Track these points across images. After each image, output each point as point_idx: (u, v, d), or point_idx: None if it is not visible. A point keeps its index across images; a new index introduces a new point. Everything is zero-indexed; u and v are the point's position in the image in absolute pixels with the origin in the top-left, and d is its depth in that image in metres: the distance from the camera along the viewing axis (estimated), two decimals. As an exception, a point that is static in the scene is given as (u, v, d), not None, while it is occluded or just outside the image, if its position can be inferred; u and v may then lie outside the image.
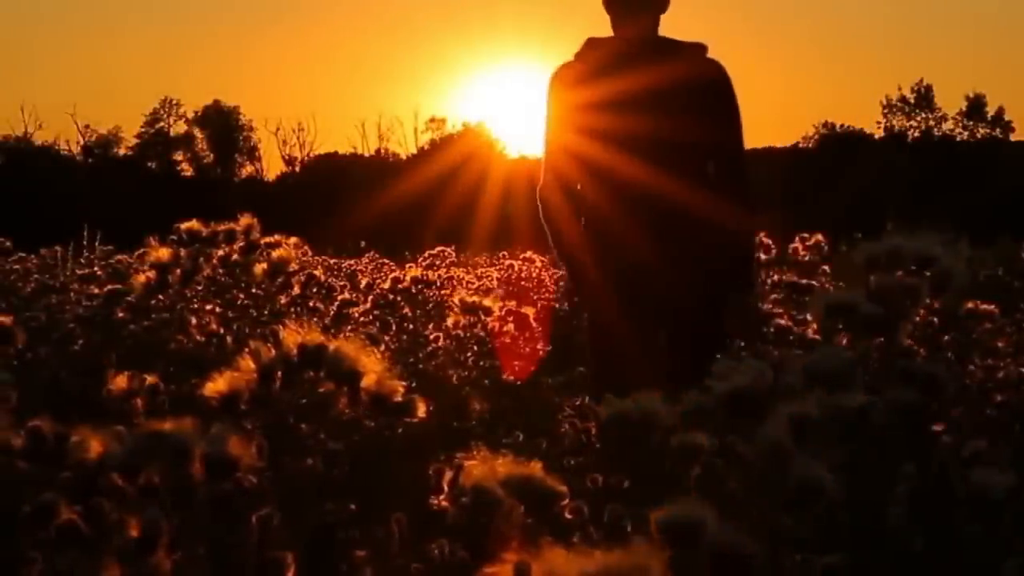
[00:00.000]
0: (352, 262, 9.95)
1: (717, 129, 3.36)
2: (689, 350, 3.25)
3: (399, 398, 1.42)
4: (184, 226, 3.16)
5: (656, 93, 3.27)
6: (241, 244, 3.17)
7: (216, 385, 1.39)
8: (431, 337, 4.48)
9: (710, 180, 3.36)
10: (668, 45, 3.38)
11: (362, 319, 4.67)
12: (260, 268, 3.11)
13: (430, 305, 5.12)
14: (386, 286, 4.81)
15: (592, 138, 3.32)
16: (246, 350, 1.43)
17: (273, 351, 1.41)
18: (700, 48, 3.38)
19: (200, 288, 3.17)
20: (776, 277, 5.18)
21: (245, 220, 3.22)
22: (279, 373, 1.40)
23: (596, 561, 0.83)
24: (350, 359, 1.38)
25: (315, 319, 3.72)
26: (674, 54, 3.35)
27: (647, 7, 3.35)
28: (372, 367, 1.42)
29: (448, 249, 8.13)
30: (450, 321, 4.11)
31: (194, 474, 1.19)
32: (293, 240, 3.59)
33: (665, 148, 3.27)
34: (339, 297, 4.37)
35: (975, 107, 47.34)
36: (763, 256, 5.19)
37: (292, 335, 1.41)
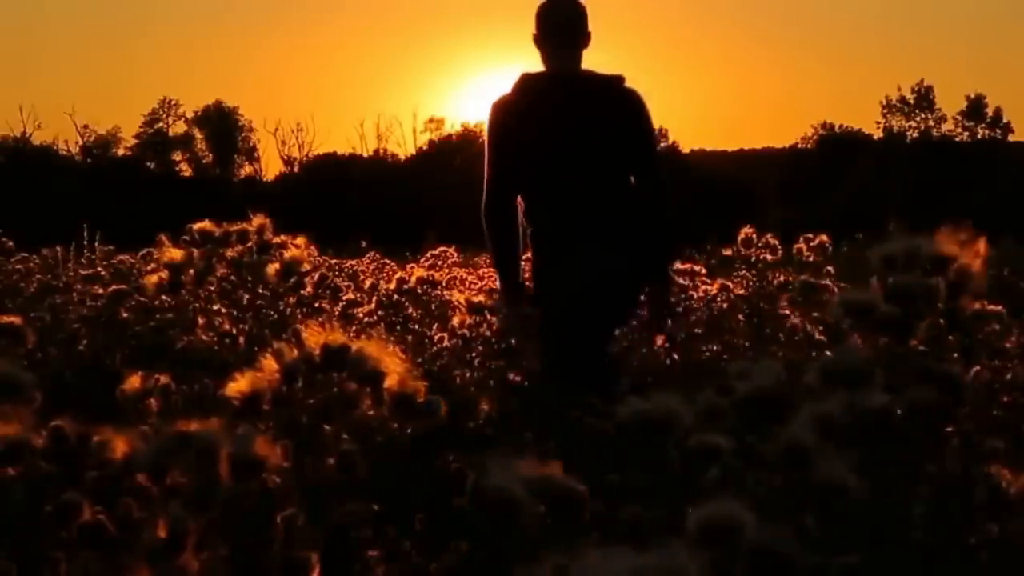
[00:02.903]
0: (354, 262, 9.94)
1: (633, 141, 3.92)
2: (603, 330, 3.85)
3: (421, 399, 1.42)
4: (196, 226, 3.15)
5: (580, 116, 3.86)
6: (252, 244, 3.17)
7: (238, 385, 1.39)
8: (436, 338, 4.47)
9: (631, 180, 3.95)
10: (588, 76, 3.94)
11: (367, 319, 4.67)
12: (273, 268, 3.11)
13: (434, 305, 5.12)
14: (392, 286, 4.81)
15: (530, 149, 3.87)
16: (268, 350, 1.43)
17: (295, 351, 1.41)
18: (618, 78, 3.94)
19: (213, 288, 3.17)
20: (782, 278, 5.20)
21: (258, 220, 3.23)
22: (302, 374, 1.39)
23: (633, 562, 0.84)
24: (373, 360, 1.38)
25: (320, 319, 3.72)
26: (593, 84, 3.92)
27: (570, 45, 3.92)
28: (394, 368, 1.42)
29: (450, 249, 8.11)
30: (456, 321, 4.11)
31: (221, 474, 1.19)
32: (300, 240, 3.59)
33: (589, 153, 3.85)
34: (345, 297, 4.37)
35: (975, 108, 47.35)
36: (769, 257, 5.22)
37: (314, 335, 1.41)
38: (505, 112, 3.91)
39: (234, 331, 3.03)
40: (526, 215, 3.94)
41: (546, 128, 3.85)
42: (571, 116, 3.85)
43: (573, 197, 3.85)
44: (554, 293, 3.86)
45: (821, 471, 1.27)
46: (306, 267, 3.17)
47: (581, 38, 3.93)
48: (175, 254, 2.98)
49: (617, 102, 3.89)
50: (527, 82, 3.93)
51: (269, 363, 1.40)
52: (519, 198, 3.95)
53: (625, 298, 3.96)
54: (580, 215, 3.86)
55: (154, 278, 3.01)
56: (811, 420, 1.26)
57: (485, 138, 4.00)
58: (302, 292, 3.25)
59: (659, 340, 4.53)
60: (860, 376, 1.48)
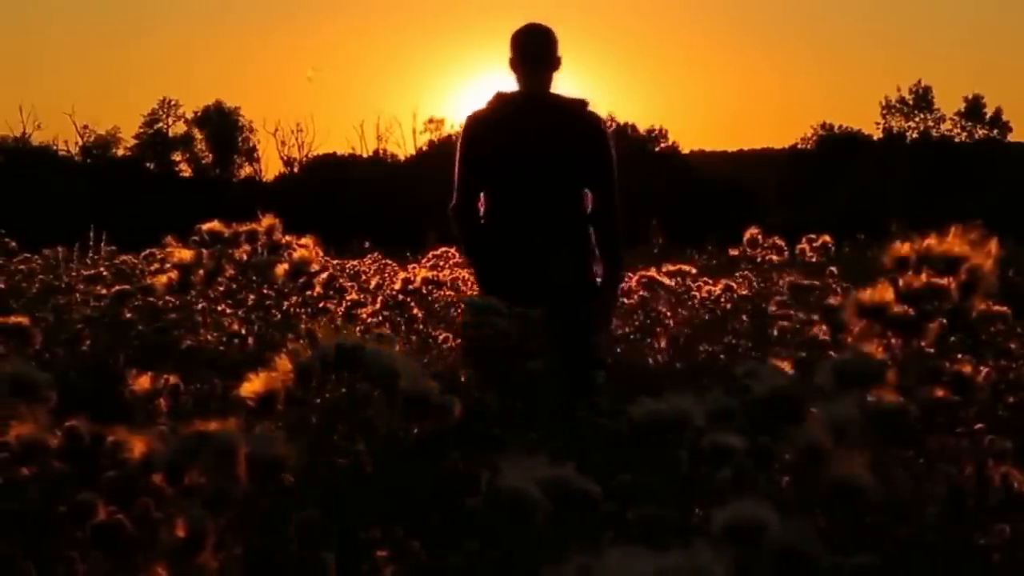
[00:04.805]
0: (355, 263, 9.95)
1: (591, 163, 4.26)
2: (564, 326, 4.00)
3: (435, 399, 1.42)
4: (206, 226, 3.16)
5: (545, 135, 4.20)
6: (262, 244, 3.17)
7: (252, 385, 1.39)
8: (440, 338, 4.47)
9: (586, 199, 4.30)
10: (556, 100, 4.29)
11: (371, 320, 4.66)
12: (281, 269, 3.12)
13: (437, 305, 5.12)
14: (397, 287, 4.81)
15: (498, 160, 4.22)
16: (281, 350, 1.42)
17: (309, 352, 1.40)
18: (583, 102, 4.33)
19: (223, 289, 3.16)
20: (787, 279, 5.20)
21: (267, 220, 3.24)
22: (316, 374, 1.39)
23: (657, 562, 0.84)
24: (388, 359, 1.38)
25: (325, 320, 3.72)
26: (560, 107, 4.28)
27: (542, 69, 4.27)
28: (407, 368, 1.41)
29: (451, 249, 8.11)
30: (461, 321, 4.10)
31: (239, 474, 1.19)
32: (308, 240, 3.59)
33: (552, 174, 4.20)
34: (348, 297, 4.37)
35: (973, 108, 47.36)
36: (775, 258, 5.25)
37: (327, 335, 1.41)
38: (478, 125, 4.31)
39: (243, 331, 3.03)
40: (486, 217, 4.29)
41: (513, 142, 4.22)
42: (537, 133, 4.22)
43: (533, 205, 4.21)
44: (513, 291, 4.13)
45: (836, 471, 1.27)
46: (315, 267, 3.17)
47: (551, 63, 4.31)
48: (185, 254, 2.99)
49: (578, 124, 4.28)
50: (500, 100, 4.33)
51: (283, 363, 1.40)
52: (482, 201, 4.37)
53: (579, 297, 4.23)
54: (538, 222, 4.21)
55: (163, 278, 3.01)
56: (827, 421, 1.25)
57: (458, 146, 4.37)
58: (311, 292, 3.25)
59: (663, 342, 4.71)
60: (873, 377, 1.48)
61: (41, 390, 1.41)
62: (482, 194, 4.28)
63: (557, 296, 4.04)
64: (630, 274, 8.29)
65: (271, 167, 63.96)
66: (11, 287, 6.65)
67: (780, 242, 5.30)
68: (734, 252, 5.72)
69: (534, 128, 4.23)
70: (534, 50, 4.27)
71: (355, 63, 75.82)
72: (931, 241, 1.69)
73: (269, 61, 73.35)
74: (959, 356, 2.03)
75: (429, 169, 41.52)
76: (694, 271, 5.95)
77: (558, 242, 4.22)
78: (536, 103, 4.27)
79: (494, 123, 4.27)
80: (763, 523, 0.96)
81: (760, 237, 5.33)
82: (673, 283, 5.85)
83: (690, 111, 74.36)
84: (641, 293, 5.68)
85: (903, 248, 1.71)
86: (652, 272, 5.72)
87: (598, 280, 4.47)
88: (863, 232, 15.95)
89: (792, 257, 5.53)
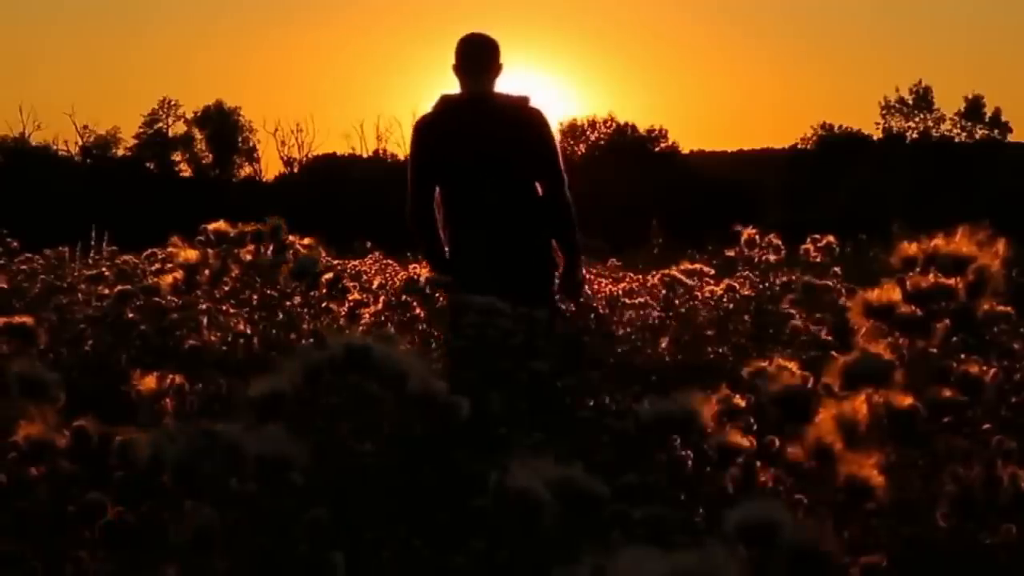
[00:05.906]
0: (356, 263, 9.96)
1: (537, 155, 4.47)
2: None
3: (443, 399, 1.42)
4: (211, 226, 3.17)
5: (491, 133, 4.42)
6: (269, 244, 3.18)
7: (260, 386, 1.39)
8: (443, 338, 4.45)
9: (537, 186, 4.52)
10: (499, 99, 4.52)
11: (373, 320, 4.65)
12: (287, 269, 3.13)
13: (438, 305, 5.10)
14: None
15: (449, 160, 4.43)
16: (284, 351, 1.43)
17: (316, 352, 1.40)
18: (524, 99, 4.54)
19: (228, 288, 3.16)
20: (784, 279, 5.21)
21: (272, 221, 3.25)
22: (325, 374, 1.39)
23: (671, 562, 0.84)
24: (398, 360, 1.38)
25: (328, 319, 3.72)
26: (503, 106, 4.49)
27: (482, 72, 4.51)
28: (416, 367, 1.41)
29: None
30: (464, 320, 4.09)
31: (248, 474, 1.19)
32: (307, 241, 3.59)
33: (501, 169, 4.41)
34: (351, 298, 4.36)
35: (973, 108, 47.34)
36: (773, 258, 5.25)
37: (333, 335, 1.41)
38: (427, 129, 4.51)
39: (248, 331, 3.03)
40: (444, 218, 4.48)
41: (462, 141, 4.42)
42: (482, 132, 4.42)
43: (486, 201, 4.40)
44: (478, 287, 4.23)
45: (845, 472, 1.27)
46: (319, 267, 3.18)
47: (492, 68, 4.54)
48: (190, 254, 3.01)
49: (521, 120, 4.47)
50: (446, 103, 4.53)
51: (291, 363, 1.40)
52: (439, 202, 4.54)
53: (543, 286, 4.42)
54: (493, 217, 4.40)
55: (169, 278, 3.02)
56: (835, 421, 1.25)
57: (409, 151, 4.55)
58: (316, 292, 3.25)
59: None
60: (881, 377, 1.48)
61: (50, 390, 1.41)
62: (438, 196, 4.45)
63: (522, 288, 4.16)
64: (631, 274, 8.31)
65: (271, 167, 63.94)
66: (13, 287, 6.65)
67: (776, 240, 5.33)
68: (730, 253, 5.74)
69: (480, 127, 4.42)
70: (474, 59, 4.49)
71: (355, 63, 75.84)
72: (938, 241, 1.69)
73: (269, 61, 73.32)
74: (965, 356, 2.03)
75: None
76: (707, 270, 5.94)
77: (515, 234, 4.40)
78: (480, 103, 4.47)
79: (442, 125, 4.47)
80: (777, 522, 0.96)
81: (757, 237, 5.36)
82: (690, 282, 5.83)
83: (690, 111, 74.43)
84: (663, 292, 5.69)
85: (910, 248, 1.71)
86: (674, 271, 5.72)
87: (559, 266, 4.64)
88: (863, 232, 15.95)
89: (790, 256, 5.54)
